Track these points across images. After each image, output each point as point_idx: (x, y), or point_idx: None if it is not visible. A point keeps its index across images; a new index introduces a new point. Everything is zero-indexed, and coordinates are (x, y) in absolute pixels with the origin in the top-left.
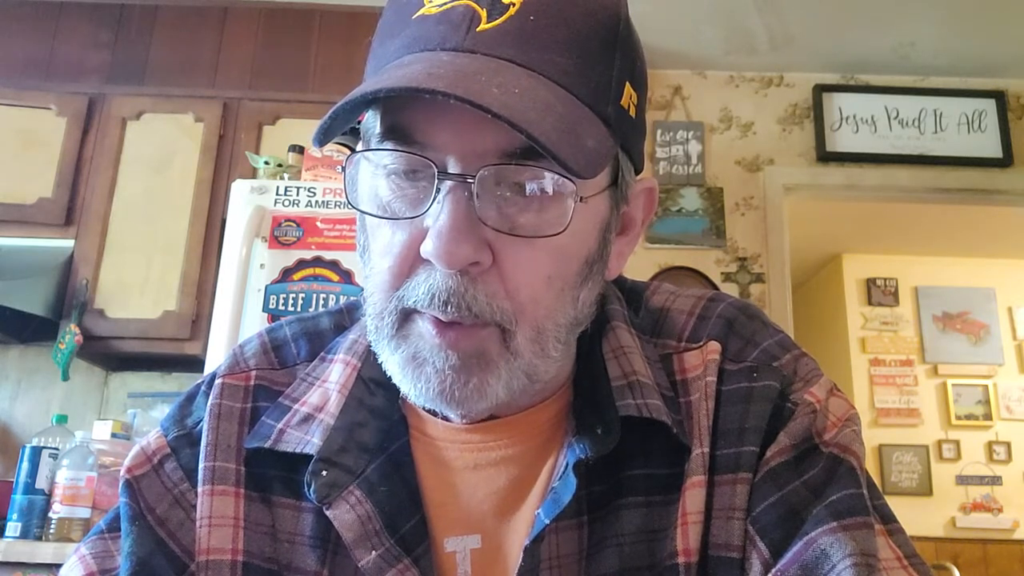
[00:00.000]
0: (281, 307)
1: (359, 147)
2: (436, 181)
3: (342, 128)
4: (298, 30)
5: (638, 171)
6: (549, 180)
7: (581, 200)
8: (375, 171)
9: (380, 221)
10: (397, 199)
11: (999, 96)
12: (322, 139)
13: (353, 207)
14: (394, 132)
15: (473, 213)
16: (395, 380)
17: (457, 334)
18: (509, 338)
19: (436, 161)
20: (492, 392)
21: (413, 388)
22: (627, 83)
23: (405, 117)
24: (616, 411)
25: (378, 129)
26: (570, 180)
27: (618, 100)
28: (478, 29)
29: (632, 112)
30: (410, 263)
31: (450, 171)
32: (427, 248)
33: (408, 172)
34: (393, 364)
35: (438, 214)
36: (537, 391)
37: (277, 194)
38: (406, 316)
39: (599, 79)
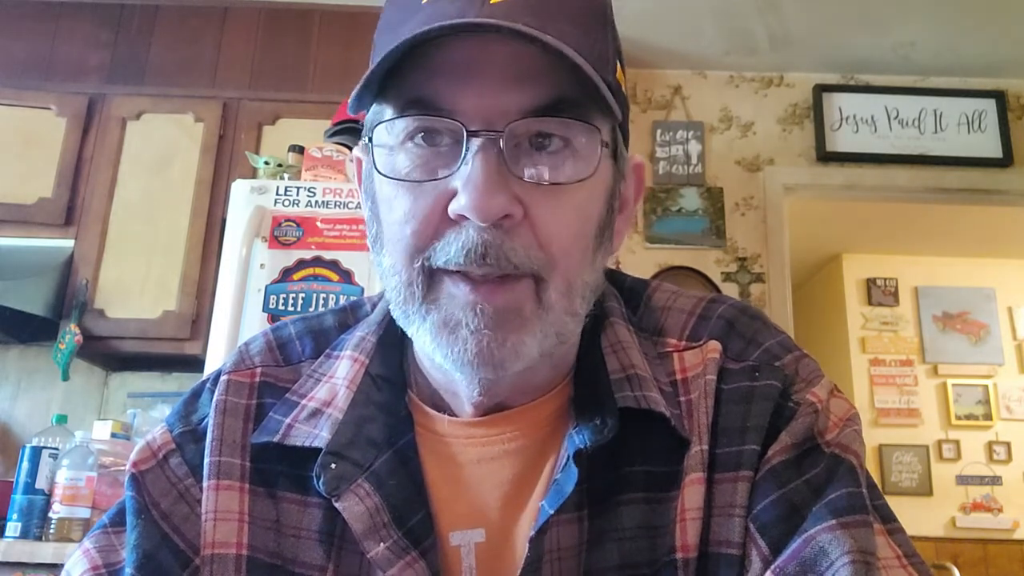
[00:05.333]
0: (281, 307)
1: (387, 115)
2: (465, 140)
3: (374, 91)
4: (298, 30)
5: (627, 147)
6: (573, 131)
7: (605, 145)
8: (391, 151)
9: (398, 193)
10: (418, 168)
11: (999, 96)
12: (359, 102)
13: (379, 173)
14: (414, 104)
15: (504, 167)
16: (427, 350)
17: (490, 288)
18: (542, 290)
19: (462, 123)
20: (527, 351)
21: (449, 353)
22: (617, 60)
23: (426, 89)
24: (615, 402)
25: (391, 111)
26: (595, 127)
27: (614, 72)
28: (491, 2)
29: (623, 88)
30: (435, 225)
31: (477, 129)
32: (460, 203)
33: (431, 139)
34: (424, 332)
35: (469, 172)
36: (546, 375)
37: (277, 194)
38: (432, 276)
39: (601, 50)
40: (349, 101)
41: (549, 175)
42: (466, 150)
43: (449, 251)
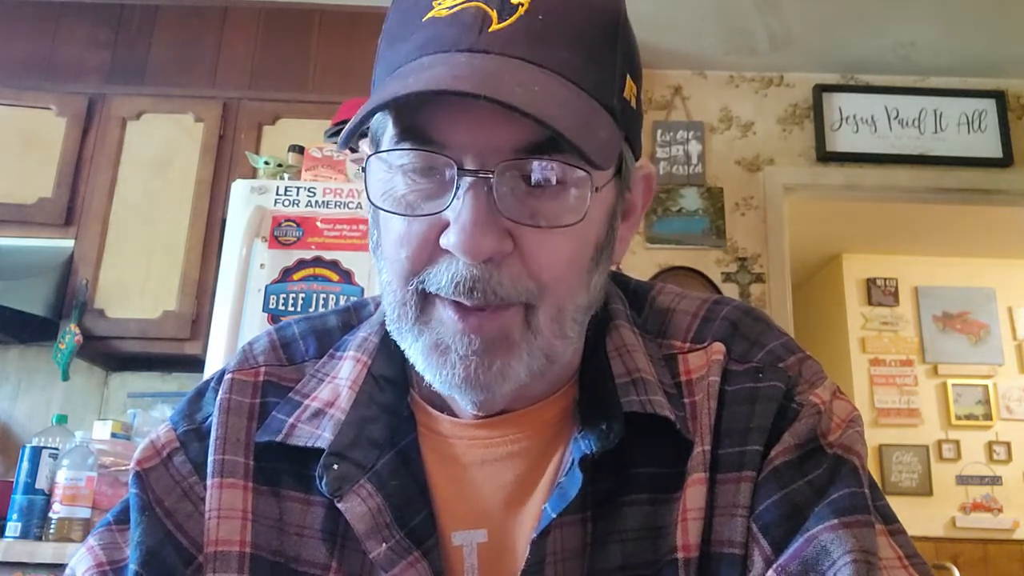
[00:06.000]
0: (281, 307)
1: (372, 148)
2: (456, 178)
3: (363, 127)
4: (298, 30)
5: (637, 158)
6: (564, 172)
7: (597, 190)
8: (389, 169)
9: (394, 214)
10: (413, 193)
11: (999, 96)
12: (348, 141)
13: (372, 204)
14: (410, 133)
15: (493, 206)
16: (419, 368)
17: (480, 320)
18: (531, 315)
19: (454, 158)
20: (514, 374)
21: (438, 375)
22: (628, 75)
23: (421, 118)
24: (620, 407)
25: (391, 131)
26: (586, 171)
27: (621, 92)
28: (490, 30)
29: (633, 103)
30: (428, 251)
31: (469, 167)
32: (450, 241)
33: (425, 169)
34: (416, 352)
35: (459, 209)
36: (548, 382)
37: (277, 194)
38: (426, 298)
39: (604, 74)
40: (340, 139)
41: (538, 216)
42: (457, 186)
43: (440, 280)
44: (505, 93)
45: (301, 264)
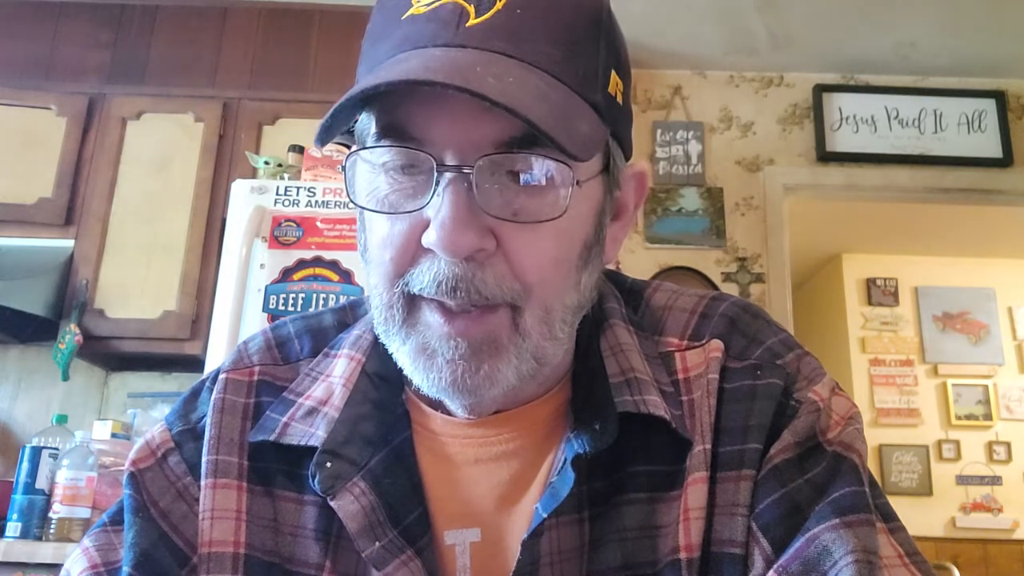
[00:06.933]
0: (281, 307)
1: (354, 148)
2: (435, 174)
3: (343, 126)
4: (298, 30)
5: (627, 157)
6: (545, 166)
7: (577, 184)
8: (372, 169)
9: (378, 215)
10: (395, 192)
11: (999, 96)
12: (324, 138)
13: (355, 205)
14: (390, 130)
15: (474, 202)
16: (406, 372)
17: (466, 323)
18: (518, 317)
19: (434, 155)
20: (503, 378)
21: (425, 379)
22: (613, 71)
23: (400, 114)
24: (614, 407)
25: (374, 128)
26: (566, 165)
27: (605, 87)
28: (467, 24)
29: (619, 99)
30: (412, 252)
31: (448, 163)
32: (430, 239)
33: (406, 167)
34: (403, 355)
35: (439, 206)
36: (539, 383)
37: (277, 194)
38: (412, 301)
39: (586, 68)
40: (316, 133)
41: (520, 212)
42: (436, 183)
43: (423, 280)
44: (477, 83)
45: (301, 264)
